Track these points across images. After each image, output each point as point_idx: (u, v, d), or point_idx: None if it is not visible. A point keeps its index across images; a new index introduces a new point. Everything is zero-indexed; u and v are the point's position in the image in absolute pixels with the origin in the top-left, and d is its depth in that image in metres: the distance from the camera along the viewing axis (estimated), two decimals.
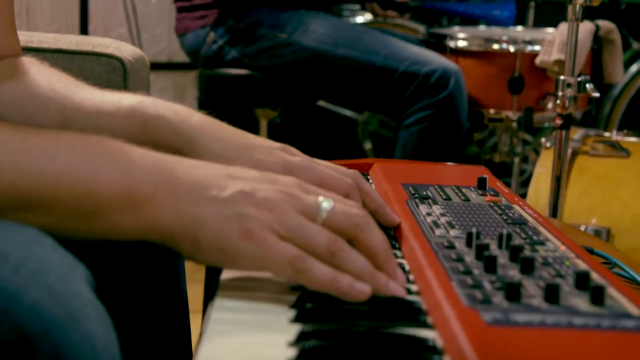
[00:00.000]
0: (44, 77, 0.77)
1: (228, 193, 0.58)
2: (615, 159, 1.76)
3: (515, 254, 0.62)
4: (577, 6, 1.46)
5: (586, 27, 2.13)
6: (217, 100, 2.24)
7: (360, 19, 2.76)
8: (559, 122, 1.51)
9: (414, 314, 0.55)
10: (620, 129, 2.30)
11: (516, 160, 2.41)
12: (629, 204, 1.65)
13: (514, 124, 2.19)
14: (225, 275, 0.62)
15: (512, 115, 2.16)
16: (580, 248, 0.69)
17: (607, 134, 1.89)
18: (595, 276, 0.58)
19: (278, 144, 0.79)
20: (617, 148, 1.78)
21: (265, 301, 0.58)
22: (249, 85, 2.20)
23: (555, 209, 1.53)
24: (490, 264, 0.60)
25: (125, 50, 1.23)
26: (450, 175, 0.98)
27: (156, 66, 3.43)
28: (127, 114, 0.74)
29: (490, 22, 2.17)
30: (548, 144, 1.82)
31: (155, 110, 0.74)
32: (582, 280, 0.57)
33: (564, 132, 1.52)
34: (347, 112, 2.85)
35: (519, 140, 2.33)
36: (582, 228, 1.70)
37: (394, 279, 0.59)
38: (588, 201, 1.70)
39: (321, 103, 2.58)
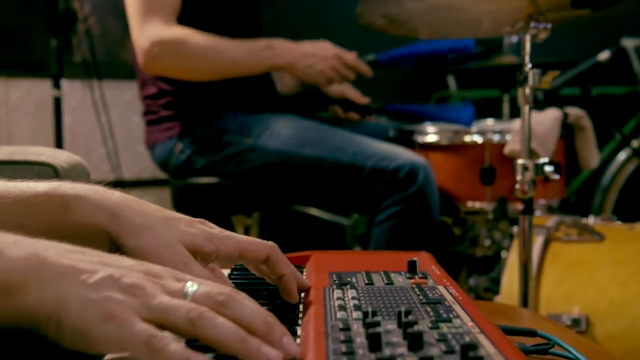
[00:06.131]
0: None
1: (96, 278, 0.59)
2: (589, 243, 1.70)
3: (406, 330, 0.57)
4: (527, 89, 1.45)
5: (553, 114, 2.12)
6: (189, 209, 2.20)
7: None
8: (520, 207, 1.47)
9: None
10: None
11: (503, 253, 2.35)
12: (605, 289, 1.59)
13: (491, 216, 2.14)
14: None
15: (487, 206, 2.12)
16: (492, 325, 0.64)
17: (582, 220, 1.84)
18: (483, 350, 0.52)
19: (197, 219, 0.81)
20: (590, 232, 1.73)
21: None
22: (220, 193, 2.18)
23: (525, 298, 1.47)
24: (374, 342, 0.55)
25: (60, 157, 1.21)
26: (384, 262, 0.94)
27: (140, 183, 3.44)
28: (46, 199, 0.75)
29: (450, 123, 2.17)
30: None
31: (74, 191, 0.76)
32: (465, 352, 0.51)
33: (527, 217, 1.47)
34: (335, 218, 2.81)
35: (500, 232, 2.28)
36: (564, 317, 1.63)
37: (278, 344, 0.59)
38: (564, 289, 1.64)
39: (309, 210, 2.55)
